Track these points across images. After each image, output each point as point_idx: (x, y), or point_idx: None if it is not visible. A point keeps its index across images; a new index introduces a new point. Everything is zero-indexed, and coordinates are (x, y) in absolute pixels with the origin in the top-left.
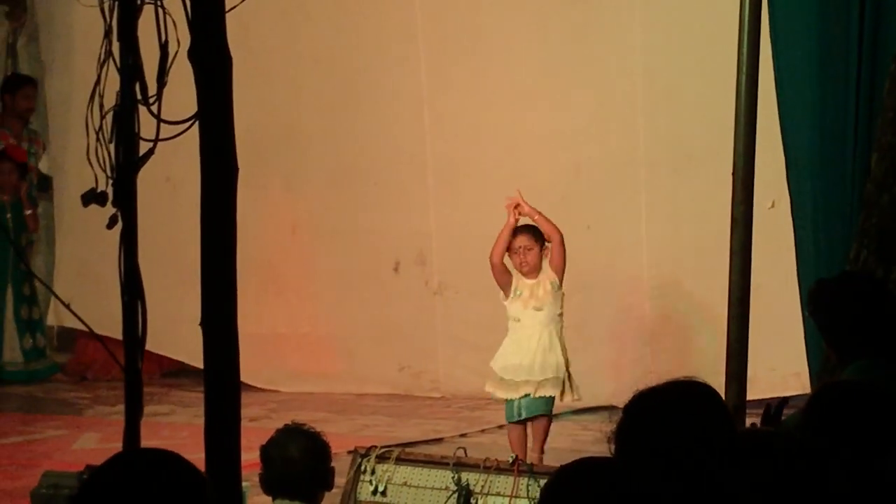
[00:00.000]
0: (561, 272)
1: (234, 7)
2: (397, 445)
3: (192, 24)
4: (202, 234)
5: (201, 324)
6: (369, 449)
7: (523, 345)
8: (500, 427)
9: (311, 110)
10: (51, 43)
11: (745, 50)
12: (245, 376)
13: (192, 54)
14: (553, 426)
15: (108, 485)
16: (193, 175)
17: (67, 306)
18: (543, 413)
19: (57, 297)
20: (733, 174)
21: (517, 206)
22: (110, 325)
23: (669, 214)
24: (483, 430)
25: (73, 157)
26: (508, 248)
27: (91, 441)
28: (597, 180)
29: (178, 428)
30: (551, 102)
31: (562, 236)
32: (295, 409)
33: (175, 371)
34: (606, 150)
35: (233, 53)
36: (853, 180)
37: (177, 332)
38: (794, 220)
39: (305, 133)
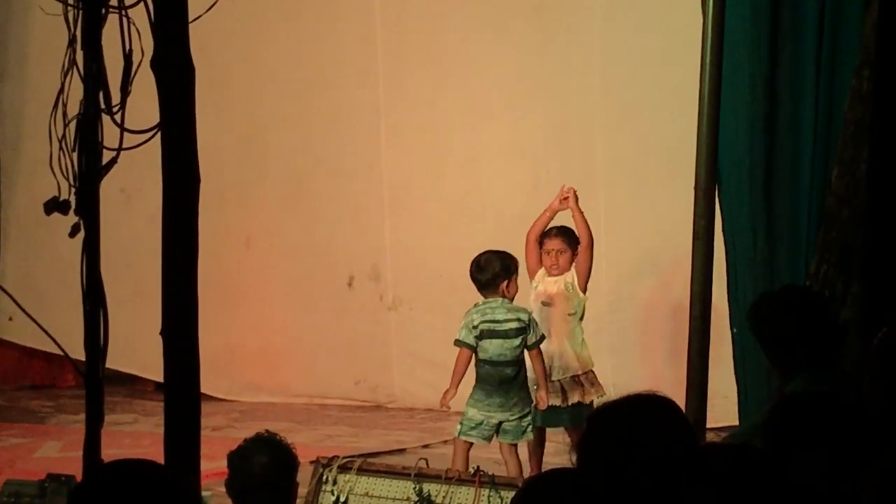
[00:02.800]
0: (584, 275)
1: (198, 18)
2: (359, 456)
3: (156, 34)
4: (164, 243)
5: (162, 333)
6: (331, 459)
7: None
8: None
9: (268, 123)
10: (4, 50)
11: (707, 63)
12: (205, 387)
13: (156, 64)
14: None
15: (94, 497)
16: (148, 185)
17: (37, 322)
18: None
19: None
20: (695, 189)
21: (566, 197)
22: (48, 340)
23: (628, 230)
24: (445, 441)
25: (24, 166)
26: (541, 247)
27: (53, 449)
28: (554, 195)
29: (140, 437)
30: (510, 118)
31: (592, 241)
32: (258, 418)
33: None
34: (565, 166)
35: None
36: (810, 195)
37: (129, 345)
38: (724, 235)
39: (262, 146)
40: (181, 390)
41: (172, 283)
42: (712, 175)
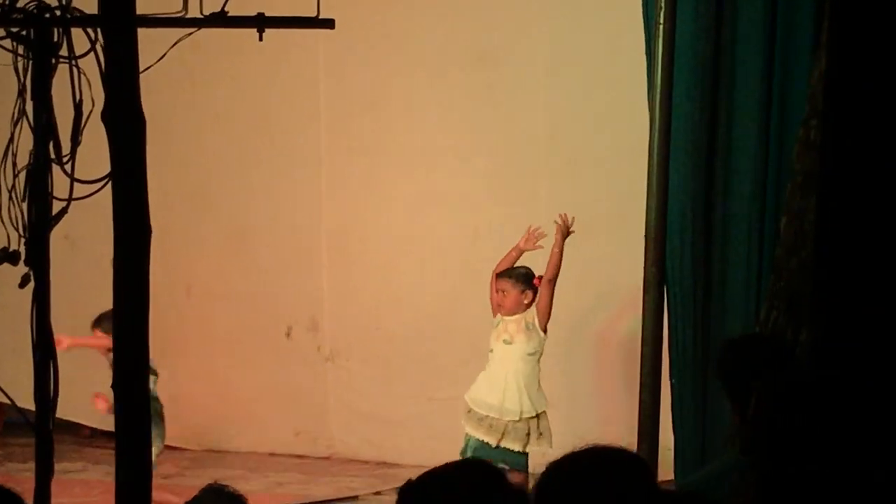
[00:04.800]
0: (543, 313)
1: (148, 69)
2: (315, 503)
3: (107, 86)
4: (115, 293)
5: (113, 386)
6: None
7: (492, 378)
8: None
9: (209, 169)
10: None
11: (657, 108)
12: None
13: (106, 116)
14: None
15: None
16: (92, 233)
17: None
18: (515, 467)
19: None
20: (646, 237)
21: (539, 237)
22: None
23: (573, 278)
24: (397, 488)
25: None
26: (494, 284)
27: None
28: (497, 244)
29: (91, 485)
30: (452, 165)
31: (554, 279)
32: (208, 466)
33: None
34: (507, 214)
35: None
36: (760, 244)
37: (72, 393)
38: (667, 285)
39: (203, 192)
40: (133, 440)
41: (124, 334)
42: (662, 221)
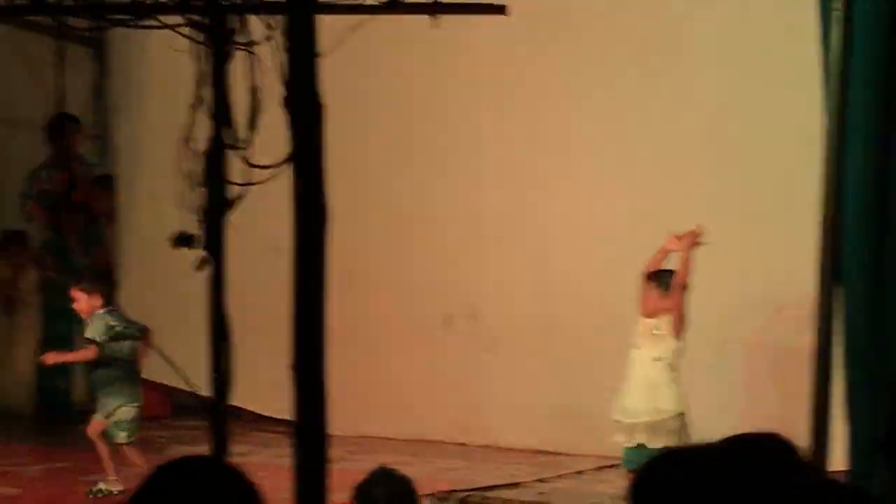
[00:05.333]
0: (674, 319)
1: (327, 55)
2: (475, 490)
3: (288, 71)
4: (293, 279)
5: (291, 366)
6: (449, 493)
7: (630, 381)
8: (579, 473)
9: (371, 159)
10: (121, 86)
11: (832, 96)
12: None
13: (287, 101)
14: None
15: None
16: (262, 220)
17: (165, 357)
18: None
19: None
20: (820, 225)
21: (681, 239)
22: (165, 372)
23: (735, 269)
24: (560, 476)
25: (139, 201)
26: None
27: None
28: (659, 234)
29: (258, 468)
30: (615, 153)
31: (683, 286)
32: (372, 451)
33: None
34: (670, 204)
35: None
36: None
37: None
38: (842, 276)
39: (366, 180)
40: (310, 423)
41: (302, 316)
42: (836, 215)
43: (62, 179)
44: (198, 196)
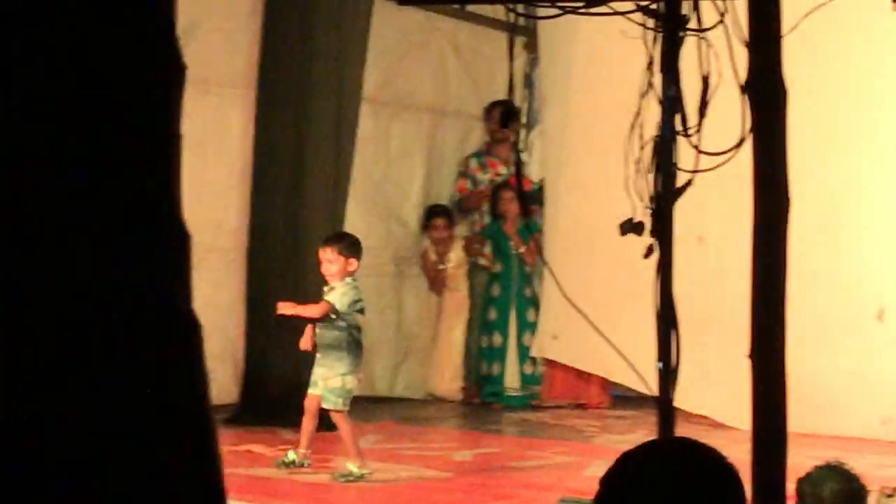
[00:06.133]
0: None
1: (787, 34)
2: None
3: (749, 54)
4: (753, 265)
5: (749, 355)
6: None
7: None
8: None
9: (817, 144)
10: (550, 74)
11: None
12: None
13: (747, 85)
14: None
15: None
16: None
17: (618, 351)
18: None
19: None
20: None
21: None
22: (589, 361)
23: None
24: None
25: (565, 188)
26: None
27: (601, 468)
28: None
29: None
30: None
31: None
32: (796, 446)
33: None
34: None
35: None
36: None
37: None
38: None
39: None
40: (770, 415)
41: (762, 303)
42: None
43: (495, 166)
44: (646, 182)
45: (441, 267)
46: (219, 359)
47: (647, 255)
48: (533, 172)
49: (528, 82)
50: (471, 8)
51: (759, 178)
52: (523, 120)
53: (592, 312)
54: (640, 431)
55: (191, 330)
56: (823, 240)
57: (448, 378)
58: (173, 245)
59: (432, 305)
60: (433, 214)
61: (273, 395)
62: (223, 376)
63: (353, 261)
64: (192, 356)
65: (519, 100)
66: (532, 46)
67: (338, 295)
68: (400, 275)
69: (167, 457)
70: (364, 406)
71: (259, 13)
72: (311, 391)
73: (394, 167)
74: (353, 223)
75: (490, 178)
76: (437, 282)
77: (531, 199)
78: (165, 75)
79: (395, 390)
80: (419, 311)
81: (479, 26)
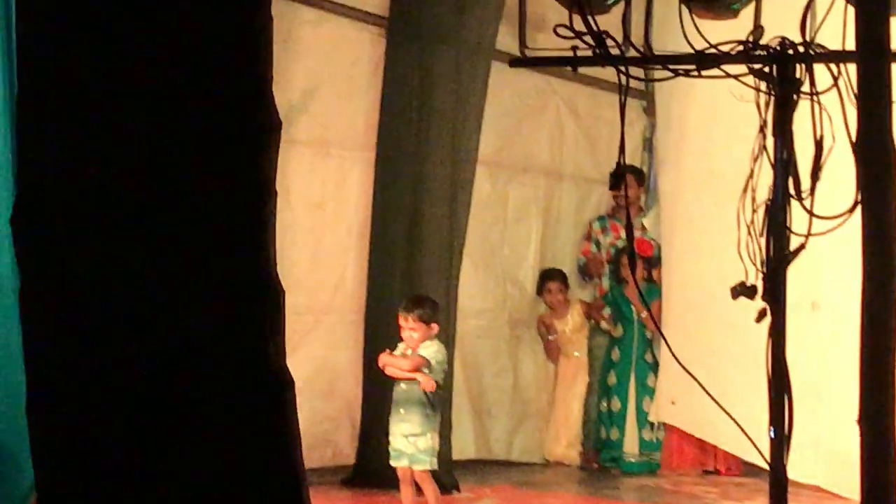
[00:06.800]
0: None
1: None
2: None
3: (858, 116)
4: (861, 331)
5: (858, 421)
6: None
7: None
8: None
9: None
10: (665, 137)
11: None
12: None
13: (857, 148)
14: None
15: None
16: None
17: (730, 416)
18: None
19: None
20: None
21: None
22: (704, 427)
23: None
24: None
25: (681, 251)
26: None
27: None
28: None
29: None
30: None
31: None
32: None
33: None
34: None
35: None
36: None
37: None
38: None
39: None
40: (878, 482)
41: (870, 368)
42: None
43: (617, 230)
44: (758, 246)
45: (550, 338)
46: (336, 420)
47: (758, 320)
48: (656, 236)
49: (648, 146)
50: (588, 71)
51: (867, 242)
52: (645, 184)
53: (706, 377)
54: (758, 500)
55: (283, 386)
56: None
57: (565, 443)
58: (267, 302)
59: (549, 369)
60: (547, 278)
61: (389, 459)
62: (340, 438)
63: (434, 325)
64: (283, 411)
65: (639, 163)
66: (651, 111)
67: (432, 351)
68: (516, 338)
69: None
70: (480, 469)
71: (378, 77)
72: (397, 463)
73: (510, 230)
74: (469, 285)
75: (611, 243)
76: (549, 351)
77: (653, 263)
78: (258, 130)
79: (511, 454)
80: (536, 374)
81: (598, 90)
